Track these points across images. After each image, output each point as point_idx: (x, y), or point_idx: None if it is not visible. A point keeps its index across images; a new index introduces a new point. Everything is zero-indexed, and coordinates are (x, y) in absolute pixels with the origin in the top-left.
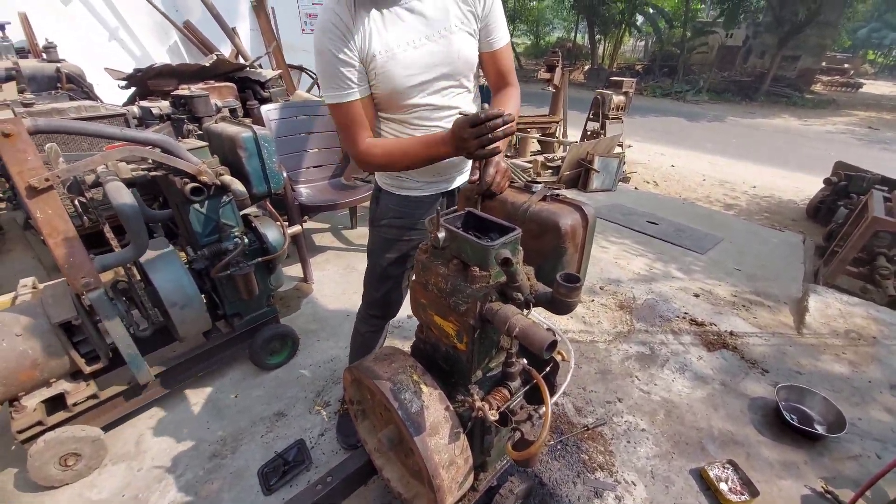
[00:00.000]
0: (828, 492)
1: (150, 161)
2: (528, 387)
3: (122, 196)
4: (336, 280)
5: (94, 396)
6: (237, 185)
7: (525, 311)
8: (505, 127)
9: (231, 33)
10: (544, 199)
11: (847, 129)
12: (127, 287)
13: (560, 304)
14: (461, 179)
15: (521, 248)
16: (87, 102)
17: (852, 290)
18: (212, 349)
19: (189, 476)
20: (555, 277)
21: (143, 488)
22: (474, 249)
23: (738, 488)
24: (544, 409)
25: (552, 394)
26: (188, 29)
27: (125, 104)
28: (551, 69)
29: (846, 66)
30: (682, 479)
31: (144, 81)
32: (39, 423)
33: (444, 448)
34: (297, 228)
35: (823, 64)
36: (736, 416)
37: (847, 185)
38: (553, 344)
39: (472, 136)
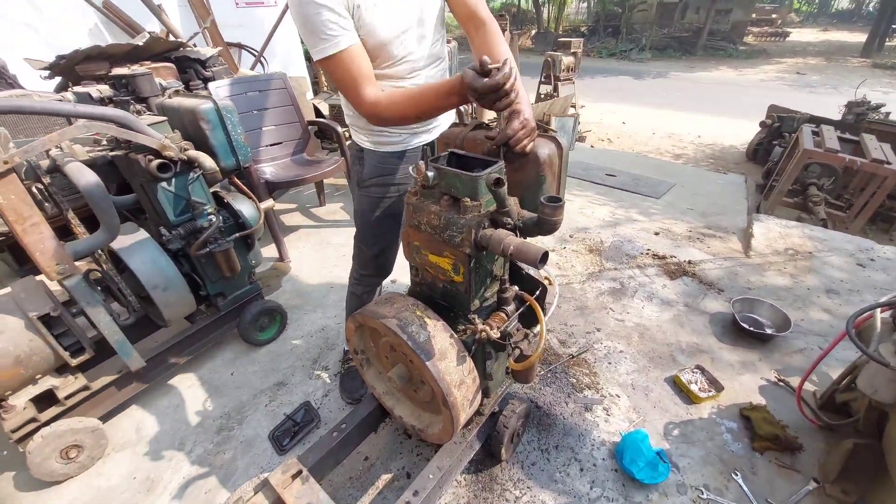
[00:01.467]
0: (780, 380)
1: (106, 142)
2: (521, 309)
3: (85, 176)
4: (312, 256)
5: (85, 388)
6: (205, 159)
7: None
8: (513, 78)
9: (157, 10)
10: None
11: (778, 76)
12: (101, 276)
13: (546, 224)
14: (438, 132)
15: (505, 179)
16: (18, 91)
17: (789, 219)
18: (199, 331)
19: (199, 451)
20: (538, 203)
21: (153, 469)
22: (464, 181)
23: (707, 387)
24: (539, 325)
25: (544, 313)
26: (108, 8)
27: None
28: None
29: (774, 16)
30: (658, 386)
31: (72, 68)
32: (33, 419)
33: (453, 370)
34: (269, 202)
35: (753, 16)
36: (699, 330)
37: (780, 127)
38: (545, 255)
39: (487, 89)
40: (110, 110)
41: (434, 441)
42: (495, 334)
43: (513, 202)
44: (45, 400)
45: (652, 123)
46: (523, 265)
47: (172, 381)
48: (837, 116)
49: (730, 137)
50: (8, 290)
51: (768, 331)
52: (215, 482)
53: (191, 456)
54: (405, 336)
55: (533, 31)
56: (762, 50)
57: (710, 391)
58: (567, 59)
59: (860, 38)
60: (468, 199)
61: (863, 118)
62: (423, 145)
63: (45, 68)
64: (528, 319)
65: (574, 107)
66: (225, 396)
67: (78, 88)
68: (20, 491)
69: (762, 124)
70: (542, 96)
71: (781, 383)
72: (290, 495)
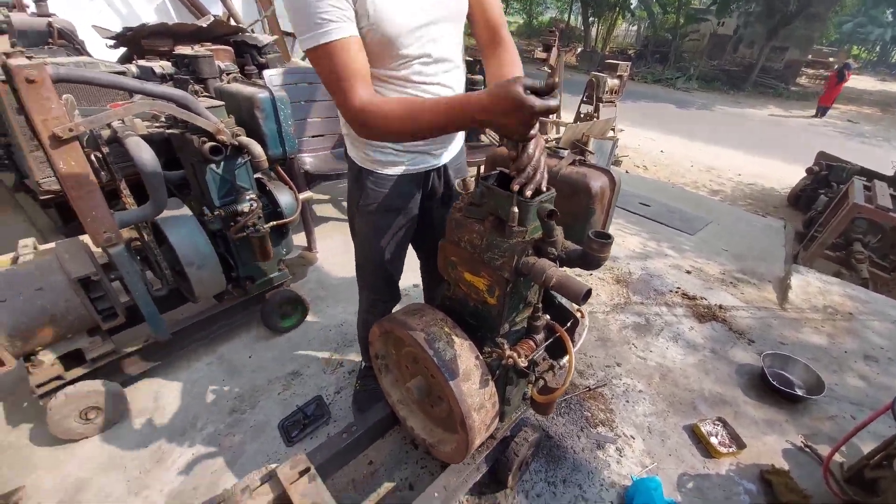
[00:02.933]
0: (807, 446)
1: (164, 119)
2: (550, 340)
3: (143, 151)
4: (340, 250)
5: (112, 352)
6: (255, 147)
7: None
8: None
9: None
10: (573, 163)
11: (828, 122)
12: (141, 247)
13: (591, 260)
14: (447, 157)
15: (557, 212)
16: (86, 58)
17: (828, 274)
18: (225, 311)
19: (210, 429)
20: (584, 236)
21: (165, 441)
22: (514, 206)
23: (727, 442)
24: (568, 357)
25: (573, 346)
26: None
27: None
28: (548, 49)
29: (831, 59)
30: (676, 433)
31: (138, 41)
32: (58, 377)
33: (475, 392)
34: (308, 194)
35: (809, 57)
36: (725, 380)
37: (828, 175)
38: (588, 292)
39: (545, 111)
40: (173, 90)
41: (443, 459)
42: (523, 363)
43: (559, 232)
44: (73, 359)
45: (691, 155)
46: (556, 294)
47: (194, 356)
48: (890, 172)
49: (772, 180)
50: (52, 246)
51: (799, 392)
52: (222, 464)
53: (202, 434)
54: (431, 351)
55: (579, 49)
56: (815, 93)
57: (730, 447)
58: (612, 82)
59: None
60: (514, 224)
61: None
62: (431, 170)
63: (111, 37)
64: (555, 350)
65: (613, 130)
66: (241, 378)
67: (142, 62)
68: (35, 444)
69: (809, 171)
70: (583, 116)
71: (808, 449)
72: (296, 492)
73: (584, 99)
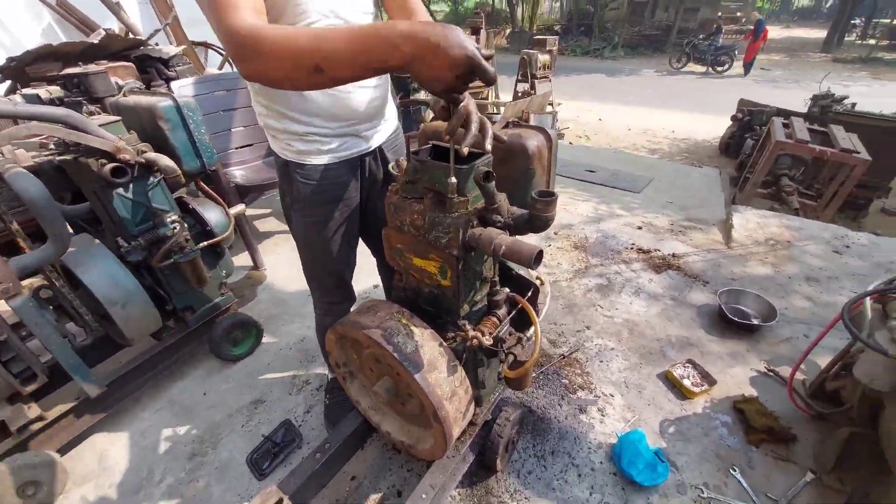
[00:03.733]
0: (770, 370)
1: (53, 146)
2: (513, 312)
3: (28, 183)
4: (289, 262)
5: (40, 418)
6: (165, 161)
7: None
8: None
9: (115, 7)
10: (506, 125)
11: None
12: (52, 294)
13: (538, 220)
14: (379, 138)
15: (494, 174)
16: None
17: (762, 209)
18: (167, 349)
19: (170, 480)
20: (527, 200)
21: (121, 502)
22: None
23: (699, 381)
24: (533, 328)
25: (537, 315)
26: (63, 7)
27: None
28: (476, 32)
29: (739, 14)
30: (651, 383)
31: (22, 70)
32: None
33: (444, 381)
34: (240, 207)
35: (720, 14)
36: (688, 323)
37: (750, 120)
38: (540, 254)
39: (464, 52)
40: (56, 109)
41: (425, 458)
42: (488, 341)
43: (502, 198)
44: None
45: (627, 120)
46: (513, 265)
47: (139, 405)
48: (804, 109)
49: (702, 132)
50: None
51: (755, 321)
52: None
53: (160, 487)
54: (390, 347)
55: (508, 31)
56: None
57: (702, 385)
58: (543, 57)
59: (820, 34)
60: (454, 195)
61: (828, 110)
62: (364, 154)
63: None
64: (520, 322)
65: (552, 104)
66: (197, 418)
67: (27, 90)
68: None
69: (733, 118)
70: (520, 94)
71: (771, 374)
72: None
73: (519, 77)
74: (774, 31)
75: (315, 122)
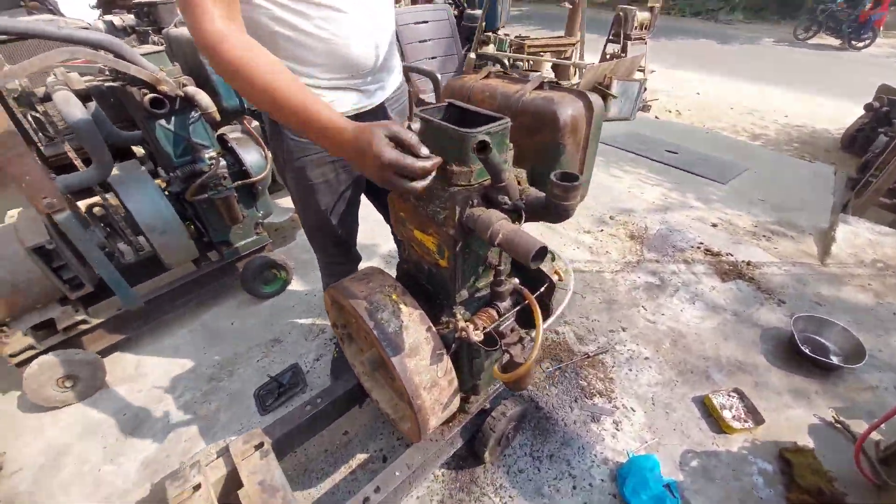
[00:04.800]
0: (839, 422)
1: (107, 72)
2: (518, 307)
3: (72, 107)
4: None
5: (84, 321)
6: (202, 97)
7: (517, 223)
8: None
9: None
10: (540, 86)
11: (893, 52)
12: (104, 213)
13: (555, 209)
14: (382, 94)
15: (511, 146)
16: (46, 16)
17: (881, 224)
18: (202, 277)
19: (187, 397)
20: (548, 180)
21: (143, 408)
22: (451, 139)
23: (743, 416)
24: (536, 330)
25: (546, 316)
26: None
27: None
28: None
29: None
30: (683, 405)
31: None
32: (31, 346)
33: (424, 369)
34: None
35: None
36: (746, 346)
37: (889, 112)
38: (541, 251)
39: (376, 162)
40: (97, 34)
41: (406, 436)
42: (477, 336)
43: (517, 176)
44: (49, 329)
45: (732, 97)
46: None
47: (177, 323)
48: None
49: (824, 120)
50: (15, 216)
51: (834, 359)
52: (195, 432)
53: (179, 401)
54: (371, 323)
55: None
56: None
57: (746, 422)
58: (642, 15)
59: None
60: (455, 165)
61: None
62: (363, 112)
63: None
64: (529, 319)
65: (642, 70)
66: (221, 345)
67: (107, 17)
68: (22, 411)
69: (867, 107)
70: (609, 56)
71: (839, 425)
72: (246, 468)
73: (611, 37)
74: None
75: (309, 70)
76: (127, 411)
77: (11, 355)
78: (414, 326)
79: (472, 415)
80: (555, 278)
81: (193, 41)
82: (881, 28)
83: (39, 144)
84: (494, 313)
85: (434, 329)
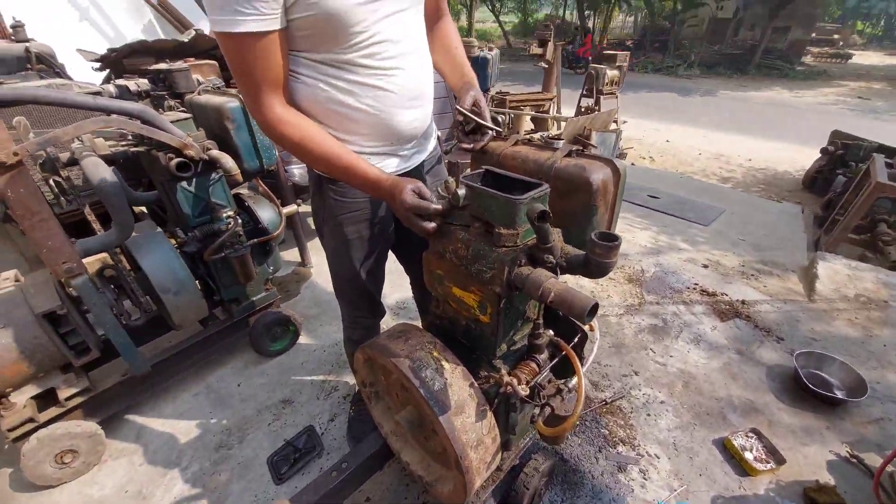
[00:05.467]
0: (853, 456)
1: (131, 137)
2: (555, 360)
3: (100, 171)
4: None
5: (87, 390)
6: (227, 160)
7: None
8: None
9: None
10: (569, 154)
11: (838, 100)
12: (115, 274)
13: (596, 266)
14: (419, 157)
15: (549, 213)
16: (58, 80)
17: (852, 258)
18: (210, 337)
19: (195, 468)
20: (586, 239)
21: (147, 483)
22: (500, 205)
23: (764, 456)
24: (576, 380)
25: (581, 365)
26: (163, 6)
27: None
28: (543, 44)
29: (836, 36)
30: (705, 449)
31: (120, 61)
32: (31, 419)
33: (471, 427)
34: (292, 208)
35: (813, 35)
36: (755, 385)
37: (844, 154)
38: (595, 307)
39: (400, 208)
40: (130, 104)
41: (442, 500)
42: (524, 391)
43: (556, 236)
44: (47, 398)
45: (698, 143)
46: None
47: (181, 387)
48: None
49: (784, 163)
50: (22, 281)
51: (839, 394)
52: None
53: (186, 473)
54: (418, 382)
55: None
56: (822, 71)
57: (768, 462)
58: (612, 73)
59: None
60: (503, 228)
61: None
62: (401, 174)
63: (95, 59)
64: (562, 369)
65: (616, 122)
66: (229, 409)
67: (120, 81)
68: (15, 490)
69: (824, 151)
70: (584, 110)
71: (854, 460)
72: None
73: (584, 92)
74: (876, 58)
75: (355, 140)
76: (129, 487)
77: (10, 429)
78: (458, 383)
79: (504, 472)
80: (587, 329)
81: (252, 115)
82: (590, 58)
83: (61, 208)
84: (535, 366)
85: (476, 385)
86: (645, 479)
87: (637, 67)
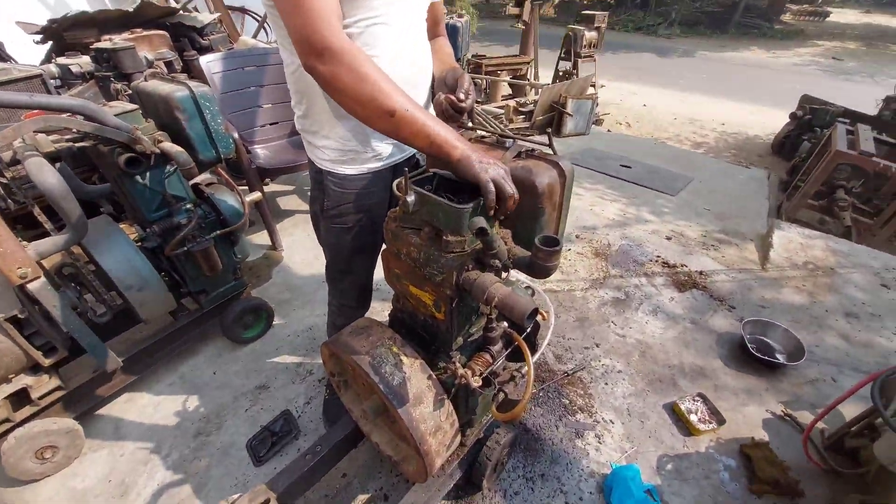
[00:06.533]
0: (787, 415)
1: (76, 130)
2: (509, 349)
3: (45, 174)
4: (306, 245)
5: (59, 388)
6: (179, 153)
7: (504, 275)
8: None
9: None
10: (518, 155)
11: (813, 60)
12: (74, 271)
13: (539, 269)
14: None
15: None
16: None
17: (811, 223)
18: (181, 328)
19: (175, 456)
20: (533, 240)
21: (129, 472)
22: (447, 213)
23: (707, 418)
24: (526, 368)
25: (533, 353)
26: None
27: (42, 63)
28: (520, 3)
29: None
30: (656, 413)
31: (60, 34)
32: (7, 420)
33: (429, 416)
34: (256, 195)
35: None
36: (705, 352)
37: (811, 119)
38: (534, 312)
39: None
40: (71, 100)
41: (409, 477)
42: (476, 382)
43: (503, 236)
44: (22, 398)
45: (674, 107)
46: None
47: (154, 377)
48: (874, 110)
49: (756, 127)
50: None
51: (779, 357)
52: (189, 491)
53: (167, 461)
54: (377, 378)
55: (556, 0)
56: (799, 30)
57: (710, 423)
58: (590, 35)
59: None
60: (451, 235)
61: None
62: (399, 163)
63: (36, 32)
64: (519, 354)
65: (594, 86)
66: (205, 397)
67: (61, 60)
68: (0, 486)
69: (792, 116)
70: (561, 74)
71: (788, 419)
72: None
73: (562, 55)
74: (852, 16)
75: (356, 138)
76: (112, 477)
77: None
78: (416, 376)
79: (468, 447)
80: (539, 318)
81: (309, 49)
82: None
83: (8, 209)
84: (489, 357)
85: (434, 377)
86: (600, 443)
87: (617, 26)
